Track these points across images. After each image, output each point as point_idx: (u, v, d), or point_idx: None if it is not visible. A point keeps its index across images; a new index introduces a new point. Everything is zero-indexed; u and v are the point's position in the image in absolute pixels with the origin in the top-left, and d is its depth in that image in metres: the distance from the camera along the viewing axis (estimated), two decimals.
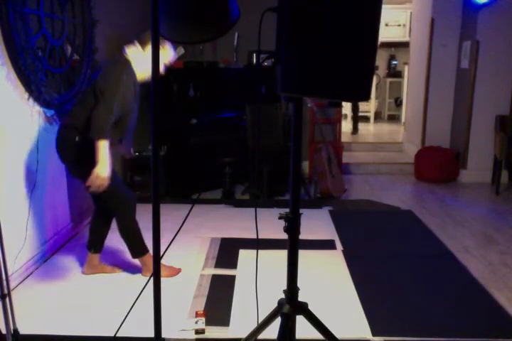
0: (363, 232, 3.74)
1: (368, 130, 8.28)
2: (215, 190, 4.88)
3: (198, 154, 4.70)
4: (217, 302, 2.61)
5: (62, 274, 2.96)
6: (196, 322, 2.33)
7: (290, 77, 1.27)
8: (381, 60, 9.33)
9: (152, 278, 1.25)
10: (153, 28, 1.16)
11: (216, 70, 4.97)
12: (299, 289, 1.61)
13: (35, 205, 3.02)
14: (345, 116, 8.72)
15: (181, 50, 5.01)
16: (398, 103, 9.28)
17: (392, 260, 3.20)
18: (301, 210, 1.56)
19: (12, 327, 1.97)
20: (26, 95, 2.88)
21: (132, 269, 3.00)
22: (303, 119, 1.65)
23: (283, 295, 1.62)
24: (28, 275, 2.92)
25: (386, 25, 8.51)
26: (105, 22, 3.96)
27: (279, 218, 1.55)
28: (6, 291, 1.89)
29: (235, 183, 4.85)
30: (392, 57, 9.31)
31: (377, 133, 7.94)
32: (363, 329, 2.36)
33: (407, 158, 6.13)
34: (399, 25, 8.62)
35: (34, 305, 2.58)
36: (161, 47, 2.62)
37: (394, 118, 9.47)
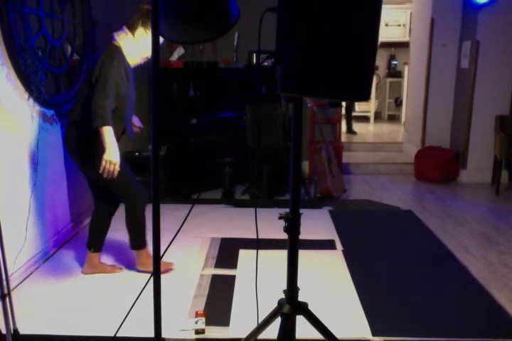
0: (363, 232, 3.74)
1: (368, 130, 8.29)
2: (215, 190, 4.88)
3: (198, 154, 4.70)
4: (217, 302, 2.61)
5: (62, 274, 2.96)
6: (196, 322, 2.33)
7: (290, 77, 1.27)
8: (381, 60, 9.34)
9: (152, 278, 1.25)
10: (153, 28, 1.16)
11: (216, 70, 4.96)
12: (299, 289, 1.61)
13: (35, 205, 3.02)
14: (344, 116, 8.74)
15: (181, 50, 5.01)
16: (398, 103, 9.28)
17: (392, 260, 3.20)
18: (301, 210, 1.56)
19: (12, 327, 1.97)
20: (26, 95, 2.88)
21: (131, 266, 3.00)
22: (303, 119, 1.65)
23: (283, 295, 1.62)
24: (28, 276, 2.92)
25: (386, 25, 8.52)
26: (105, 22, 3.96)
27: (279, 218, 1.55)
28: (6, 291, 1.89)
29: (235, 183, 4.85)
30: (392, 57, 9.31)
31: (377, 133, 7.94)
32: (363, 329, 2.36)
33: (407, 158, 6.13)
34: (399, 25, 8.62)
35: (34, 305, 2.58)
36: (147, 29, 2.63)
37: (394, 118, 9.48)
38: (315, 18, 1.20)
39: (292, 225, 1.54)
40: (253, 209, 4.27)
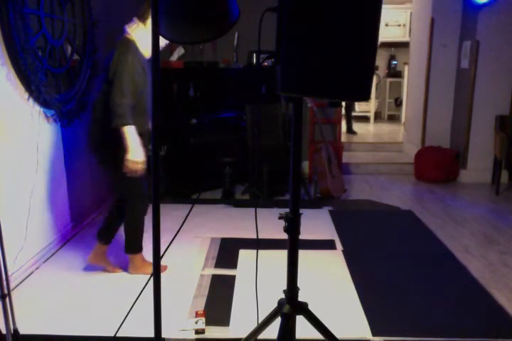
0: (363, 232, 3.74)
1: (368, 130, 8.28)
2: (215, 190, 4.88)
3: (198, 154, 4.70)
4: (217, 302, 2.61)
5: (62, 274, 2.96)
6: (196, 322, 2.33)
7: (290, 77, 1.27)
8: (381, 60, 9.33)
9: (152, 278, 1.25)
10: (153, 28, 1.16)
11: (216, 70, 4.97)
12: (299, 289, 1.61)
13: (35, 205, 3.02)
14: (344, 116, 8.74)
15: (181, 50, 5.02)
16: (398, 103, 9.28)
17: (392, 260, 3.20)
18: (301, 210, 1.56)
19: (12, 327, 1.97)
20: (26, 95, 2.88)
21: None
22: (303, 119, 1.65)
23: (283, 295, 1.62)
24: (28, 276, 2.92)
25: (386, 25, 8.52)
26: (105, 22, 3.96)
27: (279, 218, 1.55)
28: (6, 291, 1.89)
29: (235, 183, 4.85)
30: (392, 57, 9.31)
31: (377, 133, 7.94)
32: (363, 329, 2.36)
33: (407, 158, 6.13)
34: (399, 25, 8.62)
35: (34, 305, 2.58)
36: (146, 24, 2.60)
37: (394, 118, 9.47)
38: (315, 18, 1.20)
39: (292, 225, 1.54)
40: (253, 209, 4.27)
